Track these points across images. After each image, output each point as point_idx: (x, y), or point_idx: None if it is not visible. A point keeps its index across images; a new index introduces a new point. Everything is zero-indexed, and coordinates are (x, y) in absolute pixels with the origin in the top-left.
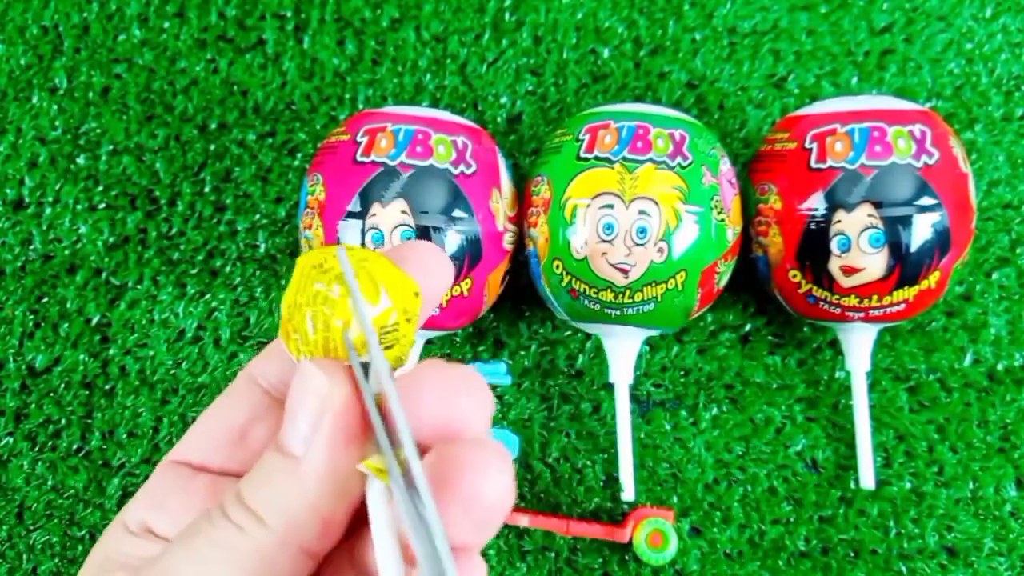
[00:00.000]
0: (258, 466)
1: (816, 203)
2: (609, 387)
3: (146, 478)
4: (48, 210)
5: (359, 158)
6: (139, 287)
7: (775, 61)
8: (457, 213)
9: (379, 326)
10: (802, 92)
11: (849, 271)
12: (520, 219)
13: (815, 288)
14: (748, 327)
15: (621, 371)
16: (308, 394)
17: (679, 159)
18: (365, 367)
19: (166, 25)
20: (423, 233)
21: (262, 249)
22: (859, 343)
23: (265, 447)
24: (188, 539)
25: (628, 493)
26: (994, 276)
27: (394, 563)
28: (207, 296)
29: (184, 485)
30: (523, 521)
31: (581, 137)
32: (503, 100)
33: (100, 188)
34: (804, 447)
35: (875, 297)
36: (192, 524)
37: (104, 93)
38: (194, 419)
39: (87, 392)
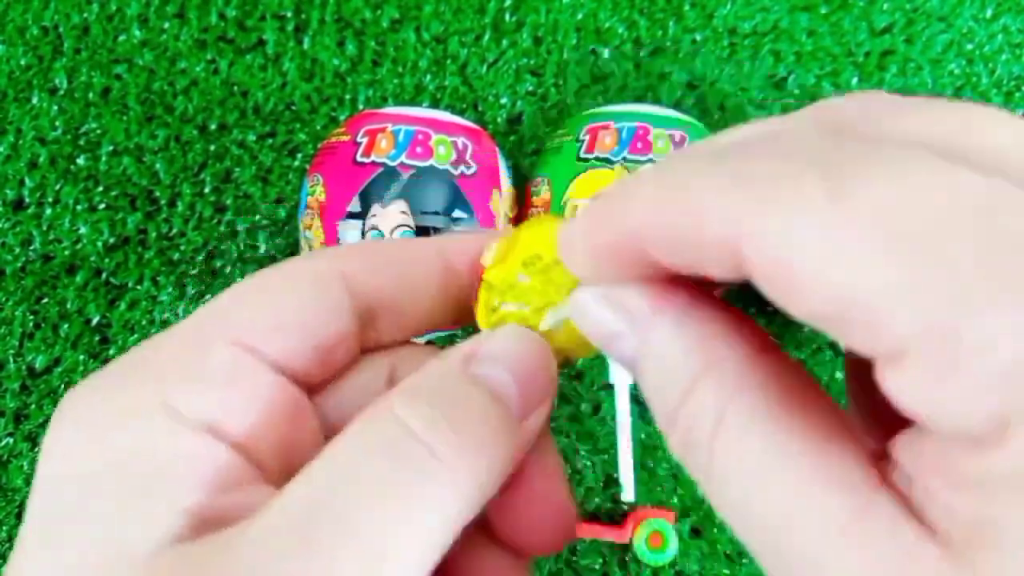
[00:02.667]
0: (451, 391)
1: None
2: (609, 387)
3: None
4: (48, 210)
5: (359, 159)
6: (139, 288)
7: (775, 62)
8: (457, 214)
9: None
10: (802, 93)
11: None
12: (520, 220)
13: None
14: None
15: (621, 372)
16: (541, 370)
17: None
18: None
19: (166, 25)
20: (423, 234)
21: (262, 250)
22: None
23: (348, 373)
24: (368, 476)
25: (628, 494)
26: None
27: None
28: (207, 296)
29: (256, 382)
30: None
31: (581, 138)
32: (503, 101)
33: (100, 188)
34: None
35: None
36: (359, 456)
37: (104, 94)
38: None
39: None
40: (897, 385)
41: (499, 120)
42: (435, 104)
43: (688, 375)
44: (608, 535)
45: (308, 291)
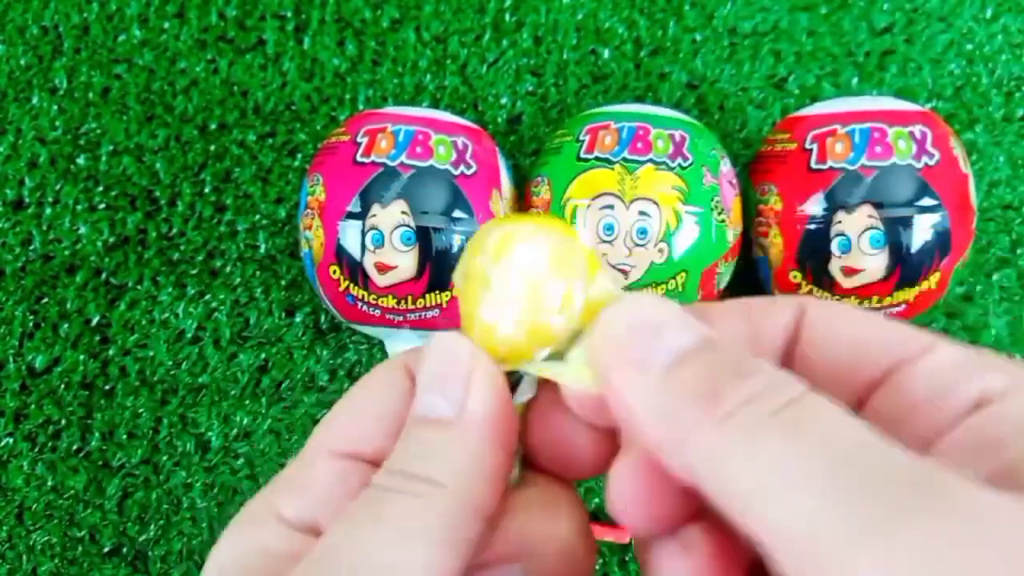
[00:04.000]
0: (404, 444)
1: (816, 204)
2: None
3: (146, 479)
4: (48, 210)
5: (359, 159)
6: (139, 287)
7: (775, 62)
8: (457, 214)
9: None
10: (802, 93)
11: (850, 272)
12: None
13: (816, 289)
14: None
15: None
16: (456, 355)
17: (679, 160)
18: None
19: (166, 25)
20: (423, 233)
21: (262, 249)
22: None
23: None
24: (363, 522)
25: None
26: (995, 277)
27: None
28: (207, 296)
29: (353, 484)
30: (609, 536)
31: (581, 138)
32: (503, 101)
33: (100, 188)
34: None
35: (875, 298)
36: (353, 510)
37: (104, 93)
38: (194, 420)
39: (87, 392)
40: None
41: (499, 120)
42: (435, 104)
43: None
44: (608, 535)
45: (381, 388)
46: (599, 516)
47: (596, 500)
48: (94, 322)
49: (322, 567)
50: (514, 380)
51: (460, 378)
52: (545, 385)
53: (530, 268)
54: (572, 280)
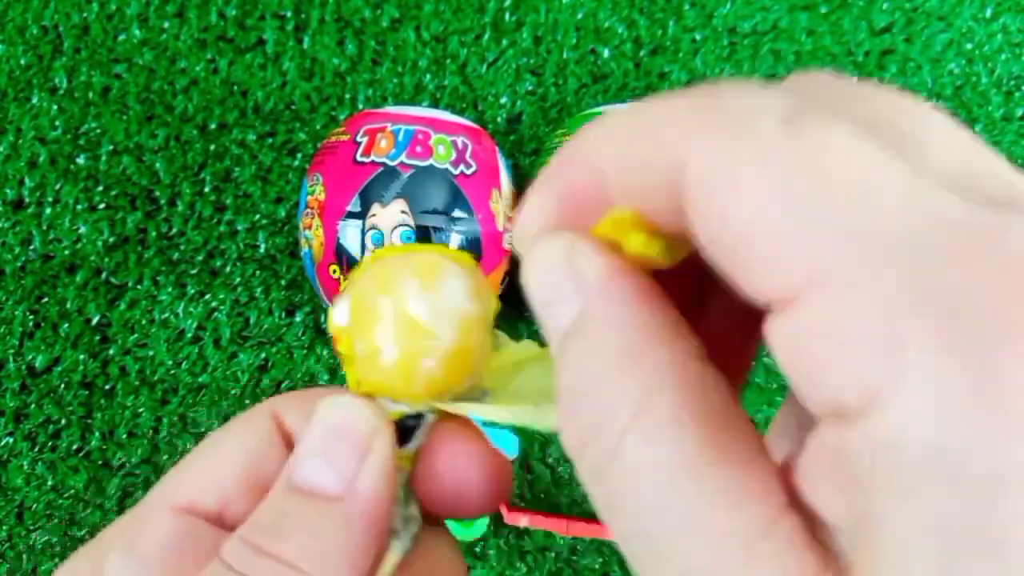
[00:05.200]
0: (269, 513)
1: None
2: None
3: (147, 479)
4: (48, 210)
5: (359, 158)
6: (139, 287)
7: (775, 61)
8: (457, 213)
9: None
10: None
11: None
12: None
13: None
14: None
15: None
16: (354, 425)
17: None
18: (403, 419)
19: (166, 25)
20: (423, 233)
21: (262, 249)
22: None
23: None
24: None
25: None
26: None
27: None
28: (207, 296)
29: (195, 547)
30: (523, 521)
31: None
32: (503, 100)
33: (100, 188)
34: None
35: None
36: None
37: (104, 93)
38: (194, 419)
39: (87, 392)
40: (780, 335)
41: (499, 120)
42: (435, 104)
43: (615, 359)
44: (608, 535)
45: (239, 437)
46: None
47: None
48: (94, 322)
49: None
50: (404, 426)
51: (355, 450)
52: (438, 425)
53: (405, 302)
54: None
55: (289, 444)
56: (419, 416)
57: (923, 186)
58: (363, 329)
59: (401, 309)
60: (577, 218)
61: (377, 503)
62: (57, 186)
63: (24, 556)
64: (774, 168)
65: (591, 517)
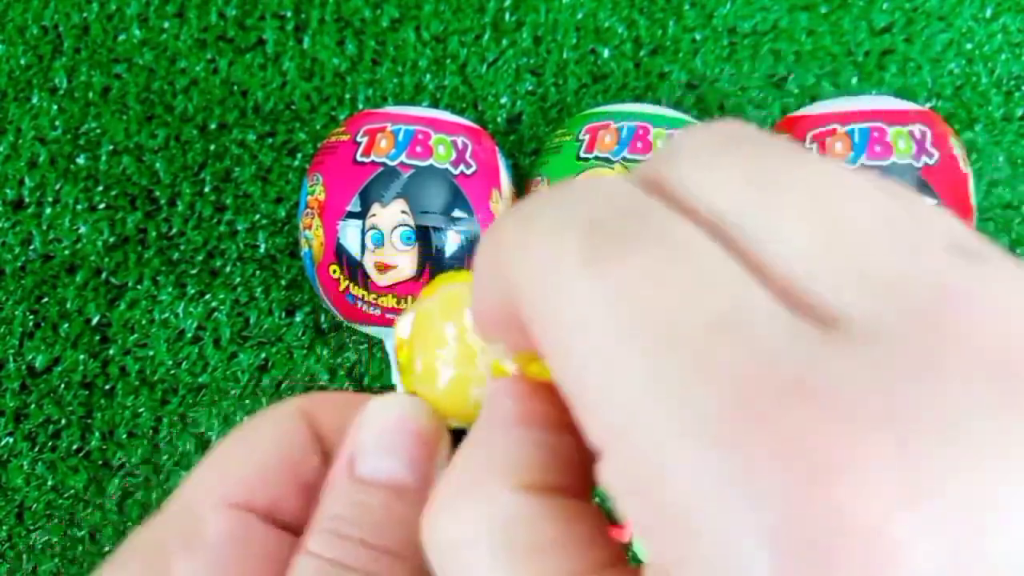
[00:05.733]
0: (351, 502)
1: None
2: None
3: (146, 478)
4: (48, 210)
5: (359, 158)
6: (139, 287)
7: (775, 61)
8: (457, 213)
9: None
10: (802, 92)
11: None
12: None
13: None
14: None
15: None
16: (423, 424)
17: None
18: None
19: (166, 25)
20: (423, 233)
21: (262, 249)
22: None
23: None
24: None
25: None
26: None
27: None
28: (207, 296)
29: (258, 547)
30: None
31: (581, 137)
32: (503, 100)
33: (100, 188)
34: None
35: None
36: None
37: (104, 93)
38: (194, 419)
39: (87, 392)
40: (604, 478)
41: (499, 120)
42: (435, 104)
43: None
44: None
45: (275, 435)
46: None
47: (596, 500)
48: (94, 322)
49: None
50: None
51: (425, 447)
52: None
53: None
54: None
55: (322, 446)
56: (463, 434)
57: (749, 313)
58: (423, 347)
59: (461, 335)
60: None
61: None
62: (57, 186)
63: (24, 556)
64: (579, 308)
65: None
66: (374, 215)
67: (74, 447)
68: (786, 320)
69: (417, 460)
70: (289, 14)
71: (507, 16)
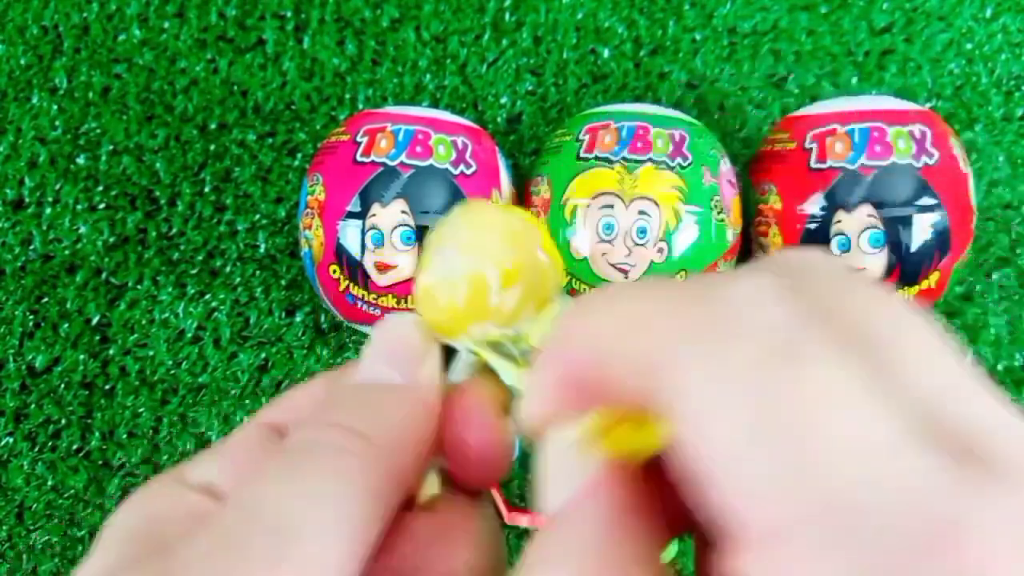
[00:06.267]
0: (332, 400)
1: (816, 203)
2: None
3: (146, 478)
4: (48, 210)
5: (359, 158)
6: (139, 287)
7: (775, 61)
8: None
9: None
10: (802, 92)
11: None
12: None
13: None
14: None
15: None
16: (411, 336)
17: (679, 159)
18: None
19: (166, 25)
20: (423, 233)
21: (262, 249)
22: None
23: None
24: (276, 474)
25: None
26: (994, 276)
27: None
28: (207, 296)
29: (263, 446)
30: (523, 521)
31: (581, 137)
32: (503, 100)
33: (100, 188)
34: None
35: None
36: (267, 464)
37: (104, 93)
38: (194, 419)
39: (87, 392)
40: (746, 569)
41: (499, 120)
42: (435, 104)
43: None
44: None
45: (322, 387)
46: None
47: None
48: (94, 322)
49: (228, 521)
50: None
51: (414, 354)
52: (473, 380)
53: (478, 239)
54: (519, 263)
55: None
56: (453, 351)
57: (896, 451)
58: (420, 260)
59: (448, 241)
60: (577, 401)
61: (434, 397)
62: (57, 186)
63: (24, 556)
64: (754, 405)
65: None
66: (374, 215)
67: (74, 447)
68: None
69: (406, 366)
70: (289, 14)
71: (507, 16)
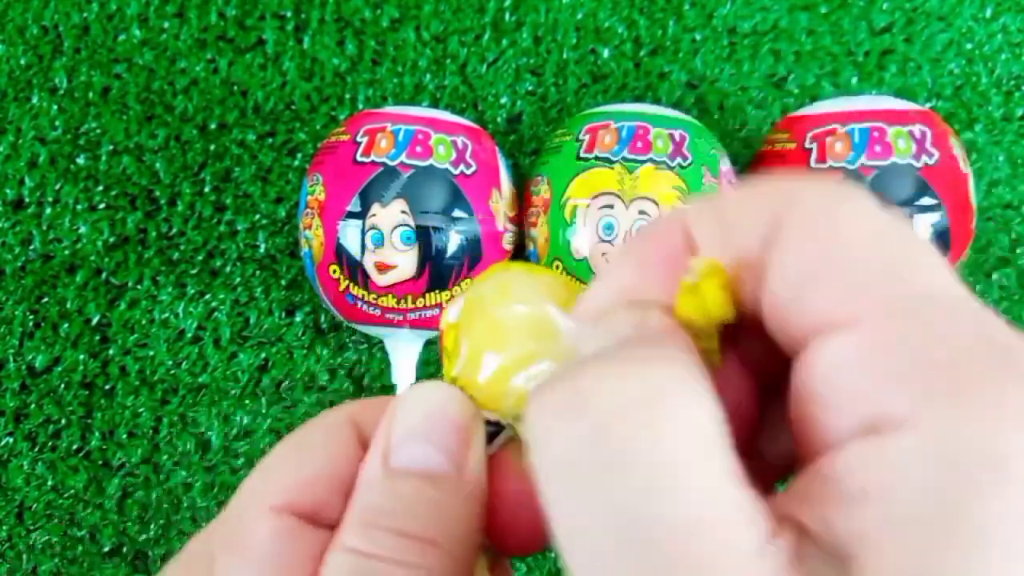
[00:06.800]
0: (384, 491)
1: None
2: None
3: (146, 478)
4: (48, 210)
5: (359, 158)
6: (139, 287)
7: (775, 61)
8: (457, 213)
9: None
10: (802, 92)
11: None
12: (520, 219)
13: None
14: None
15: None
16: (457, 411)
17: (679, 159)
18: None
19: (166, 25)
20: (423, 233)
21: (262, 249)
22: None
23: None
24: None
25: None
26: (994, 276)
27: None
28: (207, 296)
29: (300, 546)
30: None
31: (581, 137)
32: (503, 100)
33: (100, 188)
34: None
35: None
36: None
37: (104, 93)
38: (194, 419)
39: (87, 392)
40: (821, 360)
41: (499, 120)
42: (435, 103)
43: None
44: None
45: (324, 440)
46: None
47: None
48: (94, 322)
49: None
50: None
51: (460, 434)
52: (509, 447)
53: (533, 317)
54: (543, 347)
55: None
56: (499, 427)
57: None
58: (470, 334)
59: (518, 321)
60: (657, 279)
61: (482, 488)
62: (57, 186)
63: (24, 556)
64: (868, 223)
65: None
66: (374, 215)
67: (74, 447)
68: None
69: (454, 449)
70: (289, 14)
71: (507, 16)
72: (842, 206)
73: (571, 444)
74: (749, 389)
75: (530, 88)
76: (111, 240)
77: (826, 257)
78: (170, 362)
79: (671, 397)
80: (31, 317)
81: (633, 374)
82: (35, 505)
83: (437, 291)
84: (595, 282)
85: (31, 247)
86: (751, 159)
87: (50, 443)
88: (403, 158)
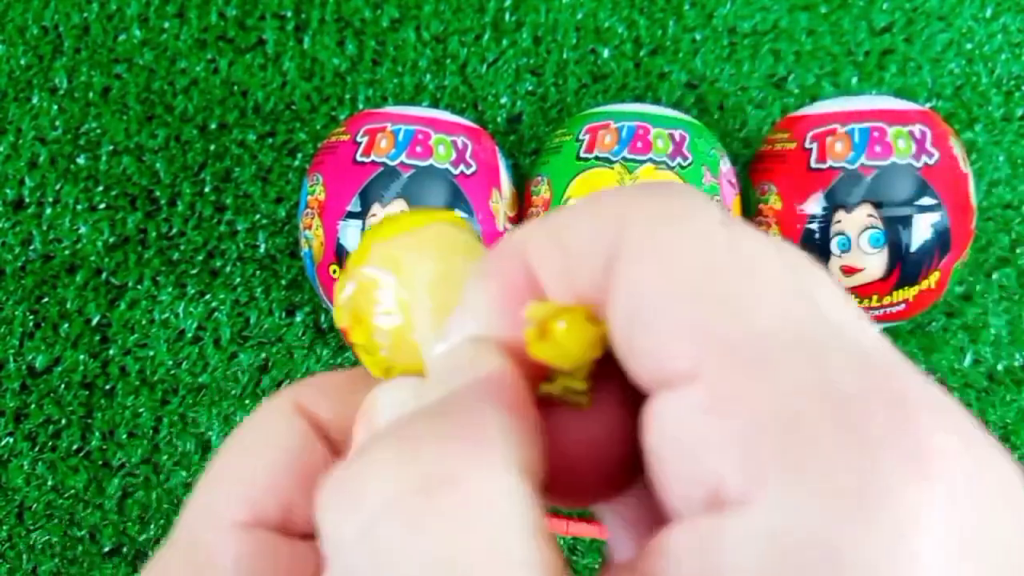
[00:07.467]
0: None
1: (816, 203)
2: None
3: (146, 478)
4: (48, 210)
5: (359, 158)
6: (139, 287)
7: (775, 61)
8: (457, 213)
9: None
10: (802, 92)
11: (849, 271)
12: (520, 219)
13: None
14: None
15: None
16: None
17: (679, 159)
18: None
19: (166, 25)
20: None
21: (262, 249)
22: None
23: None
24: None
25: None
26: (994, 276)
27: None
28: (207, 296)
29: (275, 562)
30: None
31: (581, 137)
32: (503, 100)
33: (100, 188)
34: None
35: (875, 297)
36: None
37: (104, 93)
38: (194, 419)
39: (87, 392)
40: (665, 413)
41: (499, 120)
42: (435, 104)
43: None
44: (608, 535)
45: (275, 435)
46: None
47: None
48: (94, 322)
49: None
50: None
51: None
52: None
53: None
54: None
55: (324, 436)
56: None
57: (822, 319)
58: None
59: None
60: (514, 312)
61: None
62: (57, 186)
63: (24, 556)
64: (707, 250)
65: (591, 517)
66: (374, 215)
67: (74, 447)
68: None
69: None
70: (289, 14)
71: (507, 16)
72: (674, 228)
73: (346, 542)
74: (630, 425)
75: (530, 88)
76: (111, 240)
77: (657, 293)
78: (170, 362)
79: (460, 483)
80: (31, 317)
81: (421, 453)
82: (35, 505)
83: None
84: (462, 307)
85: (31, 247)
86: (751, 159)
87: (50, 443)
88: (403, 158)
